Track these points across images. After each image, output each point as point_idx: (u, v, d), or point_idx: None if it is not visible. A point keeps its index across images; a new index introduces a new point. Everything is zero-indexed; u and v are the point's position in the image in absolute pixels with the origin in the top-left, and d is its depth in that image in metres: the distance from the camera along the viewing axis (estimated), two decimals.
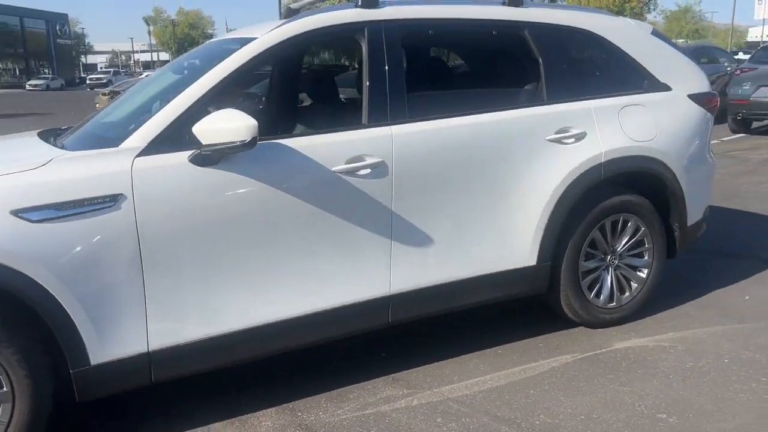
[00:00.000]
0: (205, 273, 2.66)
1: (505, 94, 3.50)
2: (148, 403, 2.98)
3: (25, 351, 2.39)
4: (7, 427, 2.40)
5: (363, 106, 3.02)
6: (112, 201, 2.47)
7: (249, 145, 2.57)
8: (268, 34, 2.93)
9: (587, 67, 3.69)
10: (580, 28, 3.60)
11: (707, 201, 4.04)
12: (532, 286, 3.43)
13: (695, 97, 3.85)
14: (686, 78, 3.88)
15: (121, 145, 2.60)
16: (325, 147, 2.88)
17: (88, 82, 56.99)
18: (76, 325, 2.43)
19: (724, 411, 2.81)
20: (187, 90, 2.74)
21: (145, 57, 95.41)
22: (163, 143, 2.61)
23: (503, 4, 3.49)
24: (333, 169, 2.84)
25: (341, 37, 3.25)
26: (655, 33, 3.92)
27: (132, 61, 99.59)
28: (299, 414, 2.88)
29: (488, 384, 3.10)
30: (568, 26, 3.57)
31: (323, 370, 3.27)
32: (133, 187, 2.51)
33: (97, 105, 21.58)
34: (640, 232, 3.66)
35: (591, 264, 3.58)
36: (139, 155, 2.56)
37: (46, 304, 2.37)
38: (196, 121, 2.60)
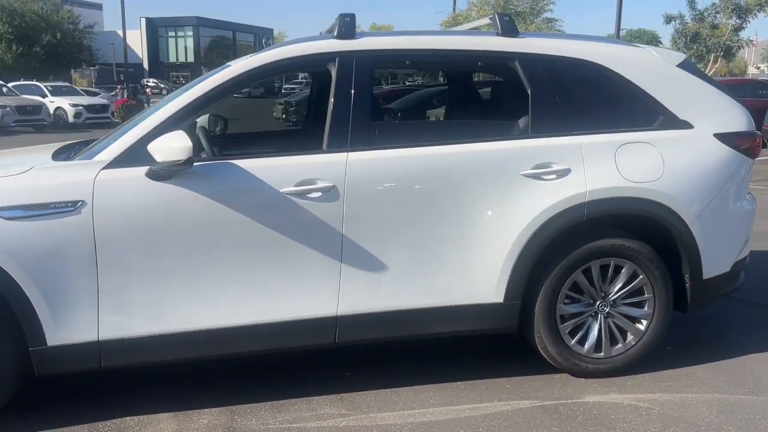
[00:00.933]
0: (153, 276, 2.97)
1: (482, 125, 3.43)
2: (100, 386, 3.35)
3: None
4: None
5: (325, 131, 3.16)
6: (72, 206, 2.86)
7: (186, 164, 2.84)
8: (238, 62, 3.19)
9: (585, 101, 3.46)
10: (582, 59, 3.42)
11: (737, 252, 3.60)
12: (498, 324, 3.32)
13: (724, 137, 3.47)
14: (716, 115, 3.51)
15: (93, 158, 3.00)
16: (276, 169, 3.06)
17: (282, 91, 62.20)
18: (36, 309, 2.84)
19: None
20: (157, 110, 3.09)
21: None
22: (128, 159, 2.97)
23: (497, 34, 3.43)
24: (281, 190, 3.02)
25: (315, 65, 3.42)
26: (685, 65, 3.59)
27: None
28: (236, 417, 3.08)
29: (425, 417, 3.07)
30: (567, 57, 3.41)
31: (285, 379, 3.44)
32: (94, 196, 2.89)
33: (274, 113, 23.51)
34: (638, 279, 3.38)
35: (573, 308, 3.38)
36: (104, 168, 2.94)
37: (11, 289, 2.81)
38: None
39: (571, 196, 3.22)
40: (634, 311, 3.43)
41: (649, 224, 3.37)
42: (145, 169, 2.92)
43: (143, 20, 64.25)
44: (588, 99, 3.47)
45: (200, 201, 2.95)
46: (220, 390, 3.31)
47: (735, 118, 3.55)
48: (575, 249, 3.28)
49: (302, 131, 4.32)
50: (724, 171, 3.45)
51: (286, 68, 3.41)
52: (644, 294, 3.41)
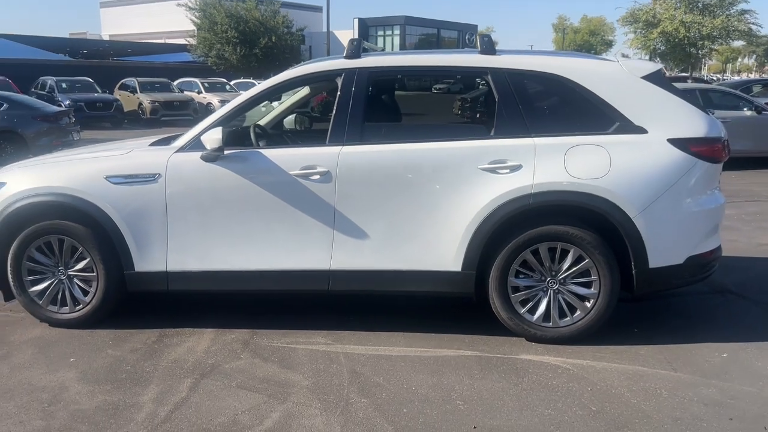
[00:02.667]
0: (202, 229, 4.21)
1: (453, 127, 4.18)
2: (168, 307, 4.68)
3: (105, 257, 4.29)
4: (94, 294, 4.35)
5: (328, 130, 4.17)
6: (153, 177, 4.20)
7: (218, 150, 4.03)
8: (273, 77, 4.31)
9: (546, 108, 4.06)
10: (547, 72, 4.03)
11: (692, 245, 3.94)
12: (458, 288, 4.07)
13: (678, 142, 3.86)
14: (672, 122, 3.90)
15: (172, 144, 4.32)
16: (288, 156, 4.14)
17: (481, 87, 63.25)
18: (129, 246, 4.23)
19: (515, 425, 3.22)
20: (215, 113, 4.33)
21: None
22: (192, 146, 4.23)
23: (479, 52, 4.16)
24: (291, 172, 4.09)
25: (326, 79, 4.42)
26: (651, 76, 4.01)
27: None
28: (254, 336, 4.23)
29: (384, 352, 3.96)
30: (534, 71, 4.05)
31: (296, 316, 4.51)
32: (167, 171, 4.20)
33: (454, 109, 24.69)
34: (584, 262, 3.92)
35: (523, 282, 4.02)
36: (176, 152, 4.24)
37: (114, 230, 4.22)
38: None
39: (519, 188, 3.88)
40: (581, 290, 3.98)
41: (594, 216, 3.89)
42: (201, 153, 4.18)
43: (356, 21, 69.14)
44: (549, 106, 4.07)
45: (233, 177, 4.13)
46: (248, 318, 4.50)
47: (693, 125, 3.91)
48: (523, 232, 3.93)
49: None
50: (674, 172, 3.85)
51: (306, 81, 4.47)
52: (591, 276, 3.94)
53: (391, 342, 4.13)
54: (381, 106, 4.84)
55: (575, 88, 3.99)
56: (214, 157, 4.13)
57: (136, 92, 25.05)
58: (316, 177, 4.06)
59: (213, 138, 4.04)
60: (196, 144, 4.21)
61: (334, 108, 4.18)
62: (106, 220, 4.21)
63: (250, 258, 4.20)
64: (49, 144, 12.77)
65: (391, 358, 3.89)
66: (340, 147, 4.09)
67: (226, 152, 4.13)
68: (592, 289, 3.96)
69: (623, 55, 5.25)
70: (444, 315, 4.54)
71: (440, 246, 4.03)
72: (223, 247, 4.21)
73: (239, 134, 4.59)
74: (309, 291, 4.30)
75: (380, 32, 70.88)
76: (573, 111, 4.03)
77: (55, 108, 14.58)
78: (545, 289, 4.02)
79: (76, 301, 4.39)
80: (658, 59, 37.73)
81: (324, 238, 4.12)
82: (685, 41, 36.28)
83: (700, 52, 37.95)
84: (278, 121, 5.55)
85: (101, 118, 22.20)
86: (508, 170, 3.92)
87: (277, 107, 5.60)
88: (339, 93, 4.19)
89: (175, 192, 4.19)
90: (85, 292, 4.38)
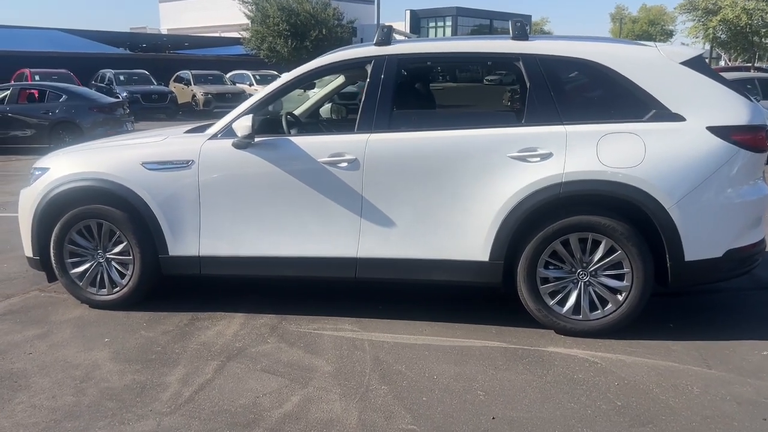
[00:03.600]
0: (233, 215, 4.27)
1: (483, 115, 4.10)
2: (201, 291, 4.77)
3: (141, 241, 4.40)
4: (131, 277, 4.48)
5: (357, 117, 4.17)
6: (186, 164, 4.28)
7: (248, 137, 4.09)
8: (302, 66, 4.33)
9: (579, 95, 3.95)
10: (580, 58, 3.92)
11: (731, 238, 3.78)
12: (485, 278, 4.02)
13: (718, 130, 3.70)
14: (713, 109, 3.74)
15: (205, 132, 4.39)
16: (317, 144, 4.16)
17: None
18: (163, 230, 4.33)
19: (536, 417, 3.16)
20: (246, 101, 4.38)
21: None
22: (225, 133, 4.29)
23: (511, 38, 4.08)
24: (319, 160, 4.10)
25: (355, 67, 4.40)
26: (692, 62, 3.85)
27: None
28: (282, 322, 4.28)
29: (407, 341, 3.95)
30: (567, 57, 3.94)
31: (325, 302, 4.54)
32: (200, 158, 4.27)
33: (503, 101, 24.39)
34: (616, 254, 3.81)
35: (553, 273, 3.93)
36: (209, 139, 4.31)
37: (150, 215, 4.33)
38: None
39: (548, 176, 3.79)
40: (613, 282, 3.87)
41: (628, 206, 3.77)
42: (232, 140, 4.23)
43: (407, 12, 68.99)
44: (582, 93, 3.96)
45: (263, 164, 4.17)
46: (278, 303, 4.55)
47: (735, 112, 3.74)
48: (553, 222, 3.84)
49: None
50: (713, 161, 3.69)
51: (335, 69, 4.47)
52: (623, 268, 3.83)
53: (416, 330, 4.11)
54: (411, 93, 4.80)
55: (609, 74, 3.87)
56: (244, 144, 4.18)
57: (190, 84, 25.61)
58: (344, 165, 4.07)
59: (243, 125, 4.09)
60: (228, 131, 4.27)
61: (363, 95, 4.17)
62: (141, 205, 4.32)
63: (278, 244, 4.24)
64: (104, 134, 13.20)
65: (415, 347, 3.87)
66: (368, 135, 4.08)
67: (256, 139, 4.18)
68: (625, 282, 3.84)
69: (682, 44, 5.07)
70: (472, 305, 4.50)
71: (468, 235, 3.98)
72: (253, 233, 4.27)
73: (271, 122, 4.64)
74: (336, 278, 4.31)
75: (432, 23, 70.51)
76: (607, 98, 3.91)
77: (111, 99, 15.07)
78: (575, 280, 3.93)
79: (113, 284, 4.53)
80: (719, 49, 36.29)
81: (351, 226, 4.12)
82: (748, 29, 34.79)
83: (763, 40, 36.34)
84: (314, 110, 5.58)
85: (156, 110, 22.80)
86: (538, 158, 3.84)
87: (313, 96, 5.64)
88: (368, 80, 4.18)
89: (208, 179, 4.26)
90: (122, 275, 4.51)
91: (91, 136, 12.95)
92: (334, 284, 4.78)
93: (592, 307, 3.92)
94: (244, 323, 4.29)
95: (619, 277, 3.86)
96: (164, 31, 59.94)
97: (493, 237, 3.91)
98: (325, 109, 5.87)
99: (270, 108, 4.59)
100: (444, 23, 69.03)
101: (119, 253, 4.48)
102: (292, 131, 4.68)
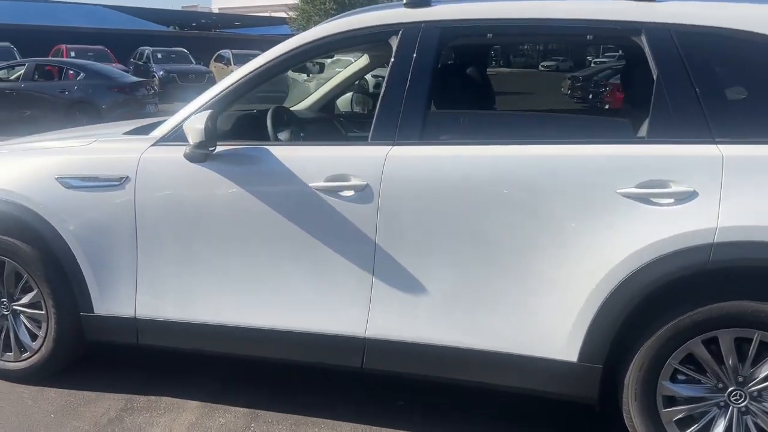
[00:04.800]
0: (184, 261, 2.83)
1: (575, 122, 2.54)
2: (142, 363, 3.32)
3: (56, 290, 3.01)
4: (44, 339, 3.10)
5: (372, 120, 2.65)
6: (118, 182, 2.85)
7: (202, 147, 2.63)
8: (291, 39, 2.83)
9: (742, 94, 2.34)
10: (747, 32, 2.30)
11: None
12: (570, 389, 2.47)
13: None
14: None
15: (150, 134, 2.95)
16: (308, 160, 2.67)
17: (592, 64, 58.86)
18: (85, 276, 2.92)
19: None
20: (210, 89, 2.91)
21: None
22: (176, 136, 2.85)
23: None
24: (311, 184, 2.62)
25: (373, 40, 2.85)
26: None
27: None
28: (252, 425, 2.83)
29: None
30: (723, 28, 2.34)
31: (316, 394, 3.07)
32: (137, 173, 2.83)
33: (562, 89, 22.41)
34: None
35: (685, 390, 2.36)
36: (153, 145, 2.87)
37: (66, 253, 2.92)
38: None
39: (689, 232, 2.22)
40: None
41: None
42: (185, 148, 2.79)
43: None
44: (750, 91, 2.35)
45: (229, 188, 2.71)
46: (251, 388, 3.10)
47: None
48: (691, 309, 2.27)
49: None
50: None
51: (341, 43, 2.86)
52: None
53: None
54: (459, 83, 3.23)
55: None
56: (200, 156, 2.72)
57: (230, 64, 24.43)
58: (349, 194, 2.57)
59: (195, 128, 2.64)
60: (180, 135, 2.83)
61: (384, 85, 2.65)
62: (55, 239, 2.93)
63: (249, 309, 2.79)
64: (123, 116, 12.03)
65: None
66: (389, 147, 2.57)
67: (220, 148, 2.74)
68: None
69: None
70: (534, 418, 2.95)
71: (543, 318, 2.44)
72: (213, 290, 2.83)
73: (250, 122, 3.19)
74: (333, 366, 2.83)
75: None
76: None
77: (133, 78, 13.88)
78: (724, 404, 2.35)
79: (22, 347, 3.17)
80: None
81: (357, 289, 2.64)
82: None
83: None
84: (326, 103, 4.09)
85: (193, 90, 21.71)
86: (671, 200, 2.26)
87: (326, 84, 4.14)
88: (392, 61, 2.65)
89: (149, 205, 2.84)
90: (34, 336, 3.14)
91: (109, 118, 11.79)
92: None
93: None
94: (198, 420, 2.86)
95: None
96: (215, 10, 59.30)
97: (587, 325, 2.37)
98: (344, 101, 4.36)
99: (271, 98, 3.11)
100: None
101: (29, 305, 3.11)
102: (282, 135, 3.19)
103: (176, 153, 2.78)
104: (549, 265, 2.40)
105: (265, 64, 2.82)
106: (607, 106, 13.96)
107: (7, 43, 19.62)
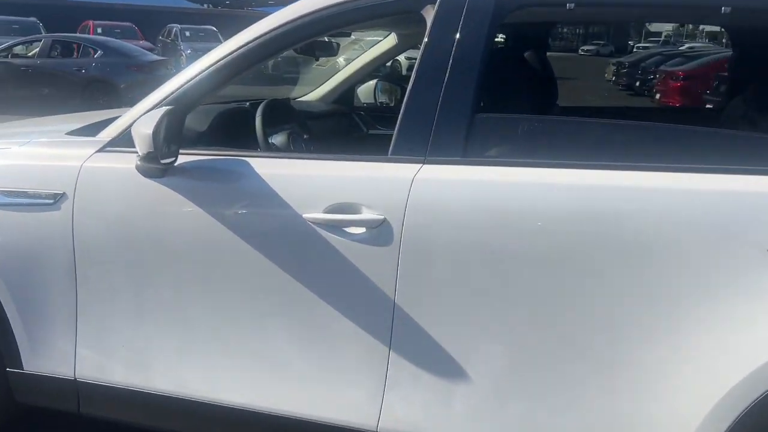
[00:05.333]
0: (137, 309, 2.10)
1: (703, 138, 1.69)
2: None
3: None
4: None
5: (395, 126, 1.85)
6: (52, 199, 2.10)
7: (151, 159, 1.87)
8: (277, 13, 2.04)
9: None
10: None
11: None
12: None
13: None
14: None
15: (97, 136, 2.20)
16: (303, 181, 1.89)
17: (635, 49, 56.51)
18: (10, 321, 2.20)
19: None
20: (171, 80, 2.15)
21: None
22: (127, 140, 2.09)
23: None
24: (305, 215, 1.84)
25: (396, 12, 2.01)
26: None
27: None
28: None
29: None
30: None
31: None
32: (76, 188, 2.08)
33: (606, 75, 21.20)
34: None
35: None
36: (98, 151, 2.12)
37: None
38: None
39: None
40: None
41: None
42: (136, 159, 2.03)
43: None
44: None
45: (195, 216, 1.95)
46: None
47: None
48: None
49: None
50: None
51: (348, 18, 2.01)
52: None
53: None
54: (516, 75, 2.37)
55: None
56: (154, 170, 1.96)
57: None
58: (359, 231, 1.79)
59: (141, 133, 1.87)
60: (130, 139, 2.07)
61: (413, 77, 1.84)
62: None
63: (222, 380, 2.04)
64: (142, 96, 11.41)
65: None
66: (417, 166, 1.77)
67: (184, 159, 1.98)
68: None
69: None
70: None
71: (647, 428, 1.64)
72: (175, 350, 2.09)
73: (235, 121, 2.42)
74: None
75: None
76: None
77: (153, 57, 13.22)
78: None
79: None
80: None
81: (367, 364, 1.86)
82: None
83: None
84: (344, 92, 3.30)
85: None
86: None
87: (345, 68, 3.35)
88: (426, 41, 1.84)
89: (91, 231, 2.09)
90: None
91: (127, 98, 11.17)
92: None
93: None
94: None
95: None
96: None
97: None
98: (366, 90, 3.55)
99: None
100: None
101: None
102: (276, 139, 2.40)
103: (128, 163, 2.03)
104: (655, 355, 1.59)
105: (246, 45, 2.04)
106: (658, 96, 12.92)
107: (33, 19, 19.17)
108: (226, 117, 2.49)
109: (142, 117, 1.91)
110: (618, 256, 1.61)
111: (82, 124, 2.46)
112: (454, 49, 1.78)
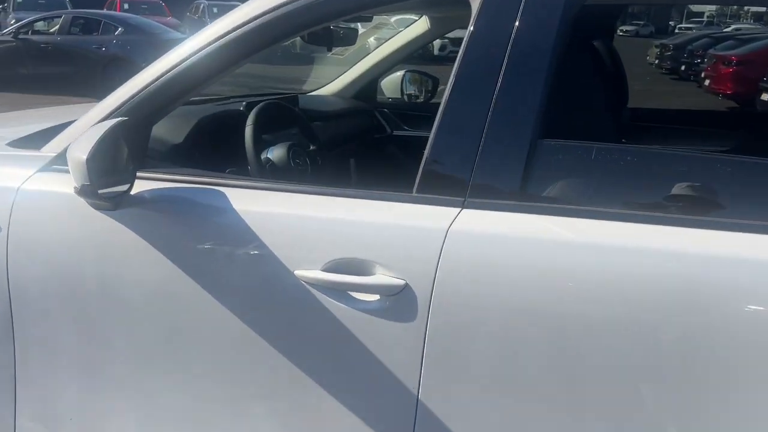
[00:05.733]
0: (88, 372, 1.63)
1: None
2: None
3: None
4: None
5: (424, 155, 1.33)
6: None
7: (88, 192, 1.38)
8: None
9: None
10: None
11: None
12: None
13: None
14: None
15: (42, 149, 1.72)
16: (295, 223, 1.38)
17: (677, 32, 54.12)
18: None
19: None
20: (144, 71, 1.65)
21: None
22: None
23: None
24: (297, 272, 1.34)
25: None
26: None
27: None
28: None
29: None
30: None
31: None
32: (11, 218, 1.61)
33: (648, 57, 20.36)
34: None
35: None
36: (40, 170, 1.64)
37: None
38: None
39: None
40: None
41: None
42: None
43: None
44: None
45: (155, 262, 1.47)
46: None
47: None
48: None
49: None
50: None
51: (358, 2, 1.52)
52: None
53: None
54: (589, 79, 1.77)
55: None
56: (100, 203, 1.47)
57: None
58: (371, 298, 1.29)
59: (76, 159, 1.38)
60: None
61: (450, 83, 1.31)
62: None
63: None
64: None
65: None
66: (455, 211, 1.25)
67: (142, 186, 1.48)
68: None
69: None
70: None
71: None
72: (133, 422, 1.62)
73: (221, 130, 1.93)
74: None
75: None
76: None
77: (175, 35, 12.75)
78: None
79: None
80: None
81: None
82: None
83: None
84: (365, 85, 2.78)
85: None
86: None
87: (366, 58, 2.82)
88: (471, 30, 1.31)
89: (30, 272, 1.62)
90: None
91: None
92: None
93: None
94: None
95: None
96: None
97: None
98: (392, 83, 3.00)
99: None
100: None
101: None
102: (273, 154, 1.89)
103: (71, 189, 1.54)
104: None
105: (230, 32, 1.53)
106: (707, 82, 12.06)
107: None
108: (213, 123, 1.98)
109: (79, 139, 1.41)
110: (718, 336, 1.08)
111: (34, 129, 1.98)
112: (511, 43, 1.25)
